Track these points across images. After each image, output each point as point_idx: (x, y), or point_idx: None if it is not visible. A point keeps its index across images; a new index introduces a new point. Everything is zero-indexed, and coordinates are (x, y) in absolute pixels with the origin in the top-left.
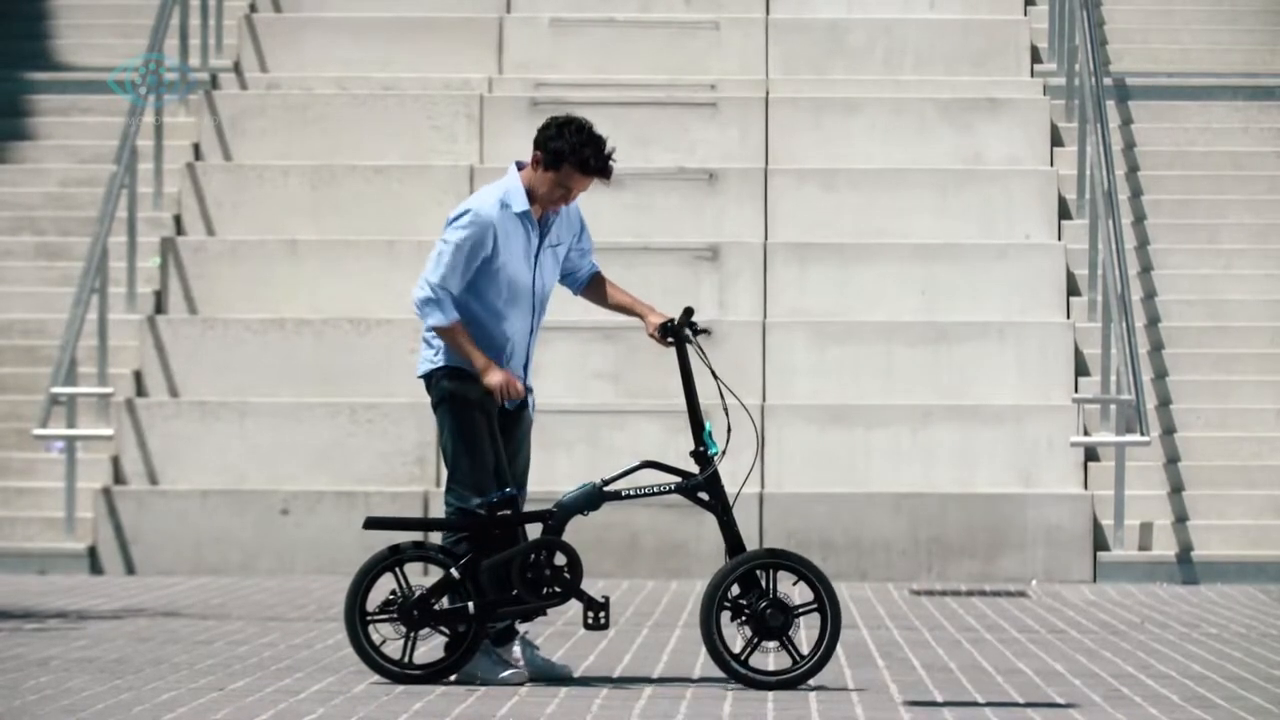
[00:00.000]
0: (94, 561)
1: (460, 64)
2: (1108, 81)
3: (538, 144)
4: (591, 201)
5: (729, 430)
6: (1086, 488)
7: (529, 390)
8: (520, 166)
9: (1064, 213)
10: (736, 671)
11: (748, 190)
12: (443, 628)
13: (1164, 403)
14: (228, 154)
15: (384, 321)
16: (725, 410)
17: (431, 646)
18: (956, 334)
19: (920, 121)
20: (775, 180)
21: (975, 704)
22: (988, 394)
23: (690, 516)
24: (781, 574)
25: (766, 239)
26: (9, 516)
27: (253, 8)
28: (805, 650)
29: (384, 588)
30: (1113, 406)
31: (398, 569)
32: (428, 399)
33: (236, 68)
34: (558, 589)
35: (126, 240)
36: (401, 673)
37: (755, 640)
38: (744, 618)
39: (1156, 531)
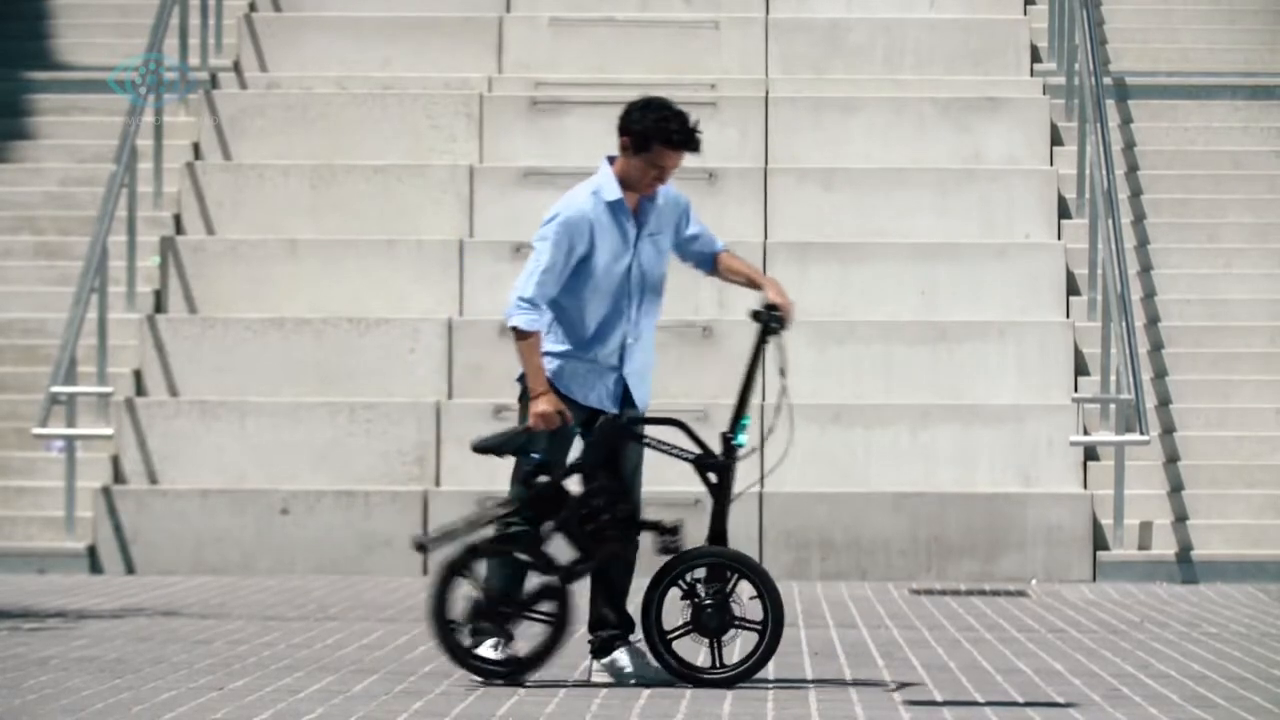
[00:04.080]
0: (93, 561)
1: (460, 64)
2: (1107, 81)
3: (622, 130)
4: None
5: (769, 431)
6: (1086, 487)
7: (631, 396)
8: (611, 160)
9: (1064, 212)
10: (656, 648)
11: (748, 190)
12: (533, 613)
13: (1164, 402)
14: (227, 154)
15: (384, 321)
16: (776, 411)
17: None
18: (956, 334)
19: (920, 121)
20: (775, 180)
21: (975, 704)
22: (987, 394)
23: (691, 516)
24: (745, 584)
25: (766, 239)
26: (9, 516)
27: (252, 7)
28: (728, 660)
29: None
30: (1112, 406)
31: (468, 571)
32: (427, 399)
33: (236, 67)
34: (622, 527)
35: (126, 240)
36: (508, 670)
37: (689, 629)
38: (691, 603)
39: (1156, 531)
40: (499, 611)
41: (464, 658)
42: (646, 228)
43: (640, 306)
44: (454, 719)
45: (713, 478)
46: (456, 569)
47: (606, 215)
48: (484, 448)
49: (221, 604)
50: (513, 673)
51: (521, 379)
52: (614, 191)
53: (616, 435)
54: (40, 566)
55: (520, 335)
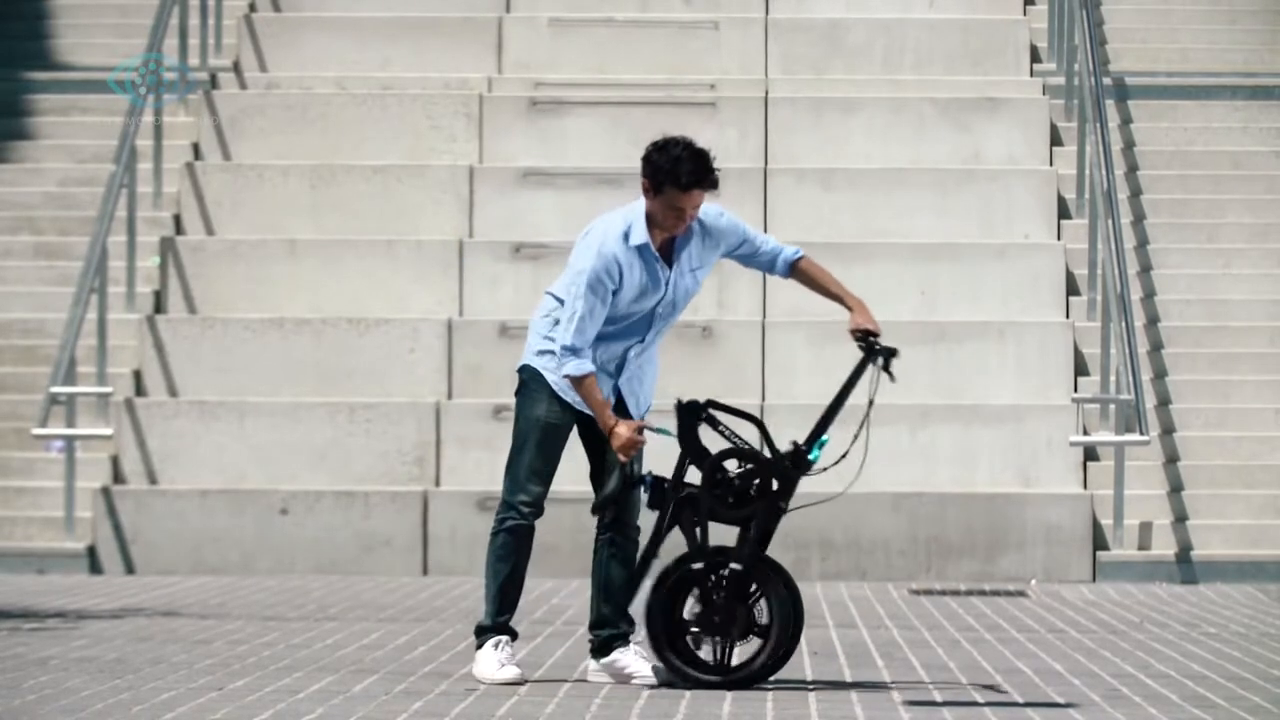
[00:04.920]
0: (93, 561)
1: (460, 64)
2: (1107, 81)
3: (643, 172)
4: (592, 201)
5: (843, 457)
6: (1086, 487)
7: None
8: None
9: (1063, 212)
10: (664, 642)
11: (747, 190)
12: (744, 607)
13: (1163, 402)
14: (227, 154)
15: (383, 321)
16: (854, 438)
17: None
18: (956, 334)
19: (919, 121)
20: (775, 180)
21: (975, 704)
22: (987, 393)
23: None
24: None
25: None
26: (8, 516)
27: (252, 7)
28: (730, 662)
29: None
30: (1112, 406)
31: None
32: (426, 399)
33: (236, 67)
34: (751, 473)
35: (126, 240)
36: (747, 672)
37: (702, 627)
38: (711, 601)
39: (1156, 531)
40: (714, 623)
41: (687, 673)
42: (681, 265)
43: (658, 330)
44: (454, 719)
45: (775, 484)
46: (670, 612)
47: (636, 258)
48: (605, 503)
49: (221, 604)
50: (754, 675)
51: (520, 371)
52: (641, 235)
53: (693, 417)
54: (40, 566)
55: (576, 381)
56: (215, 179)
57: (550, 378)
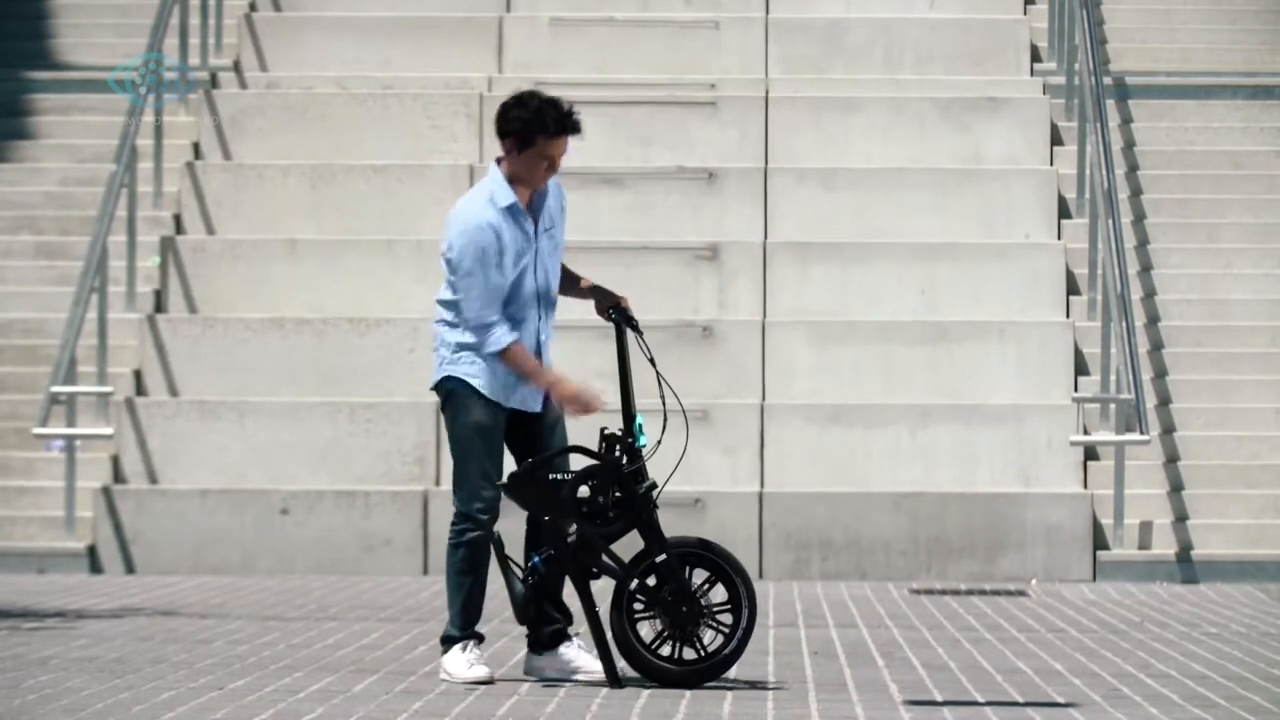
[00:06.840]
0: (93, 561)
1: (460, 63)
2: (1107, 81)
3: (502, 131)
4: (591, 201)
5: (664, 425)
6: (1086, 487)
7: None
8: (500, 161)
9: (1064, 212)
10: (645, 663)
11: (747, 190)
12: (694, 593)
13: (1164, 402)
14: (227, 153)
15: (384, 321)
16: (663, 401)
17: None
18: (956, 334)
19: (920, 121)
20: (775, 180)
21: (975, 703)
22: (987, 393)
23: (687, 516)
24: (699, 570)
25: (766, 238)
26: (9, 516)
27: (253, 7)
28: (710, 646)
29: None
30: (1112, 406)
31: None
32: (426, 399)
33: (236, 67)
34: (602, 485)
35: (126, 239)
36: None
37: (664, 633)
38: (657, 611)
39: (1156, 531)
40: (684, 610)
41: (651, 667)
42: (542, 223)
43: (544, 307)
44: (454, 719)
45: (628, 481)
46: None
47: (506, 218)
48: (524, 607)
49: (221, 604)
50: (720, 665)
51: (441, 384)
52: (507, 196)
53: (532, 485)
54: (40, 566)
55: (503, 354)
56: (215, 179)
57: (475, 383)
